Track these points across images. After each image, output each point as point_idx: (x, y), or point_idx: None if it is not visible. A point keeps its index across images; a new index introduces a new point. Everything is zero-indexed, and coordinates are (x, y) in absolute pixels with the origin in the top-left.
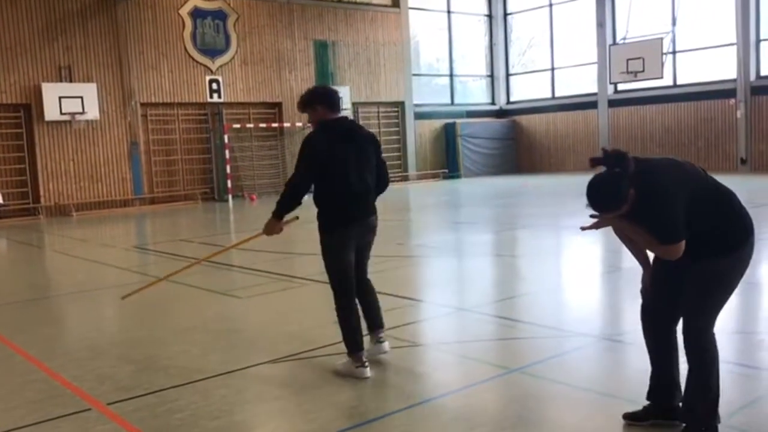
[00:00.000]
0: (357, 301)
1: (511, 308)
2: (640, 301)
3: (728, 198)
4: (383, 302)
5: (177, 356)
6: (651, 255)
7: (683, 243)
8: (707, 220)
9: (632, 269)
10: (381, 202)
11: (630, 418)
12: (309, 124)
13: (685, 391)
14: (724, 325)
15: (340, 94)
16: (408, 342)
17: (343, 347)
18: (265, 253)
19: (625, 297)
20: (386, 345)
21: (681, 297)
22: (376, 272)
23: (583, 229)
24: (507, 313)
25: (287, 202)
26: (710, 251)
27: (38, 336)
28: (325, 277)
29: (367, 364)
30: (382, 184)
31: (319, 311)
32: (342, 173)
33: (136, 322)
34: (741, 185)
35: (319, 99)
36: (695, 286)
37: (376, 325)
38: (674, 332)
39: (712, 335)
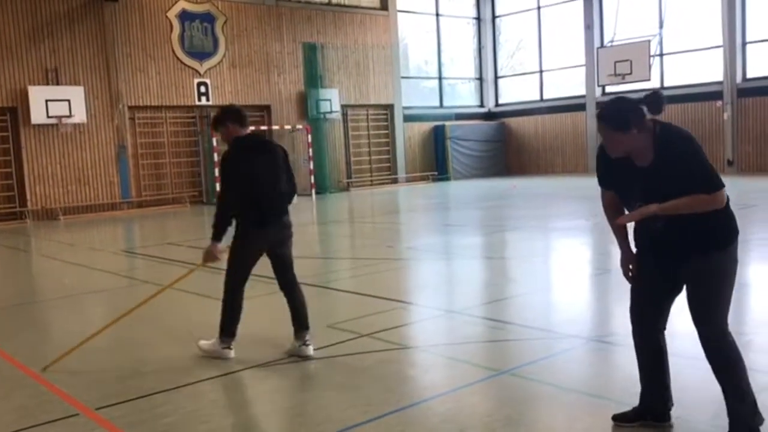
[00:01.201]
0: (286, 301)
1: (501, 310)
2: (627, 302)
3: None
4: (374, 305)
5: (166, 360)
6: (632, 238)
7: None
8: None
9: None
10: (370, 205)
11: (620, 419)
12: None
13: (725, 399)
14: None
15: (327, 97)
16: (397, 345)
17: (339, 350)
18: None
19: (613, 299)
20: (311, 349)
21: (668, 300)
22: (366, 275)
23: (618, 222)
24: (496, 315)
25: (222, 224)
26: (704, 244)
27: (25, 341)
28: (315, 280)
29: (232, 347)
30: (291, 192)
31: (309, 314)
32: (258, 183)
33: (125, 327)
34: (728, 187)
35: (231, 117)
36: (699, 287)
37: (302, 326)
38: (663, 334)
39: (731, 336)
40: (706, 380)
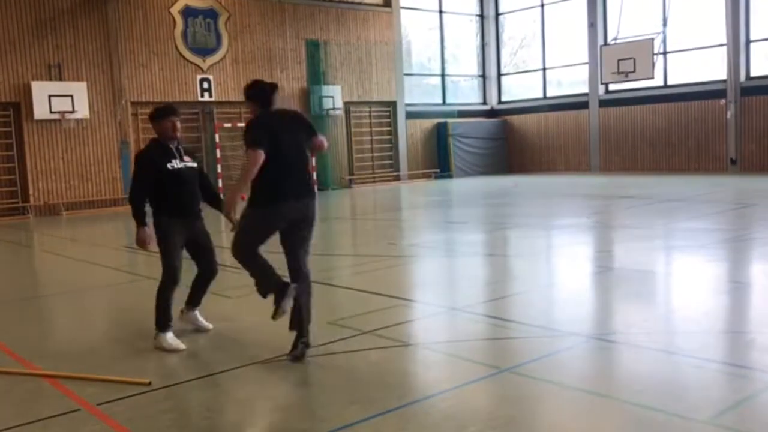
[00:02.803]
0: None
1: (503, 308)
2: (631, 301)
3: (279, 165)
4: (376, 302)
5: (166, 356)
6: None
7: (259, 152)
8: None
9: (623, 269)
10: (372, 202)
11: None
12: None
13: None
14: (714, 324)
15: (330, 94)
16: (399, 342)
17: (340, 347)
18: None
19: (615, 297)
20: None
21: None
22: (368, 272)
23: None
24: (498, 312)
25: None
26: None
27: (26, 336)
28: (317, 277)
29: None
30: (208, 192)
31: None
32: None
33: (125, 322)
34: (731, 186)
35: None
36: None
37: (197, 302)
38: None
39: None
40: (707, 380)
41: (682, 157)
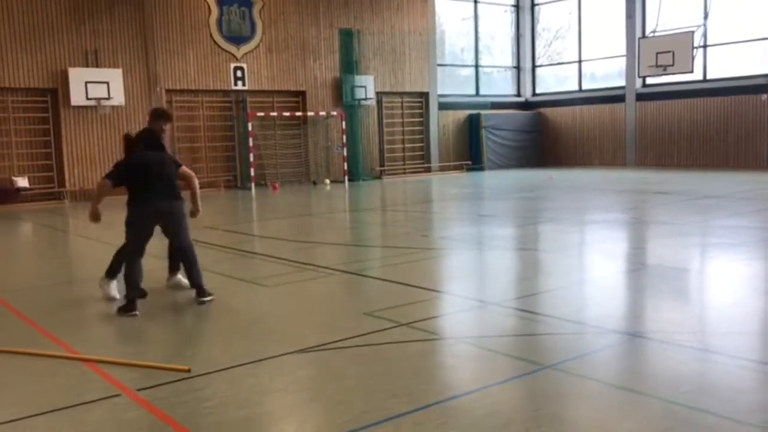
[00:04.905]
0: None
1: (539, 303)
2: (669, 299)
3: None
4: (411, 294)
5: (204, 344)
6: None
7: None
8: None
9: (659, 266)
10: (403, 193)
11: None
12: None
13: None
14: (759, 325)
15: (362, 83)
16: (436, 335)
17: (378, 339)
18: (288, 242)
19: (654, 294)
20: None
21: None
22: (401, 264)
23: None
24: (535, 308)
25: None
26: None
27: (66, 320)
28: (350, 268)
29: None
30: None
31: (346, 301)
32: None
33: (163, 309)
34: (765, 183)
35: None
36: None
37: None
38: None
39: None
40: (756, 382)
41: (720, 153)
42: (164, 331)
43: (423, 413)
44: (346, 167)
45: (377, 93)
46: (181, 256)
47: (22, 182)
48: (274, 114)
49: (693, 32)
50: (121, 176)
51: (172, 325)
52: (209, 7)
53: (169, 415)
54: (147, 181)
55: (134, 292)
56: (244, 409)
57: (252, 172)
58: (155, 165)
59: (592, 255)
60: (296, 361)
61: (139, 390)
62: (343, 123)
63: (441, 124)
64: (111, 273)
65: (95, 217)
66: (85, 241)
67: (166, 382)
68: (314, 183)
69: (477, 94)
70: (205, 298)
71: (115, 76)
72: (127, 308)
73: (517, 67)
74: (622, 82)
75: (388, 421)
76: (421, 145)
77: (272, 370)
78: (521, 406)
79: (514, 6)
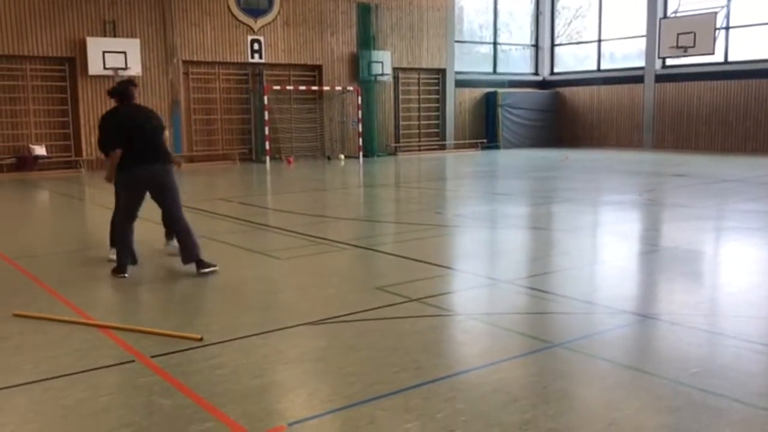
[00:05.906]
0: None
1: (551, 282)
2: (683, 281)
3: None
4: (423, 270)
5: (218, 313)
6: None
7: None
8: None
9: (675, 248)
10: (417, 170)
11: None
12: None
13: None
14: (762, 310)
15: (379, 59)
16: (447, 311)
17: (388, 313)
18: (301, 215)
19: (668, 276)
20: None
21: None
22: (413, 240)
23: None
24: (547, 287)
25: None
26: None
27: (82, 287)
28: (363, 242)
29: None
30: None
31: (358, 275)
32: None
33: (177, 278)
34: None
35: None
36: None
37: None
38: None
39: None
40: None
41: (739, 136)
42: (176, 301)
43: (432, 387)
44: (360, 143)
45: (394, 69)
46: (174, 226)
47: (40, 150)
48: (290, 88)
49: (716, 13)
50: (115, 139)
51: (184, 295)
52: None
53: (182, 382)
54: (137, 142)
55: (125, 257)
56: (258, 378)
57: (267, 145)
58: (146, 123)
59: (606, 236)
60: (308, 333)
61: (152, 357)
62: (359, 98)
63: (457, 102)
64: (114, 242)
65: (113, 179)
66: (101, 209)
67: (179, 350)
68: (329, 158)
69: (494, 72)
70: (205, 269)
71: (132, 46)
72: (117, 270)
73: (536, 46)
74: (641, 63)
75: (397, 394)
76: (436, 122)
77: (284, 340)
78: (529, 383)
79: None
